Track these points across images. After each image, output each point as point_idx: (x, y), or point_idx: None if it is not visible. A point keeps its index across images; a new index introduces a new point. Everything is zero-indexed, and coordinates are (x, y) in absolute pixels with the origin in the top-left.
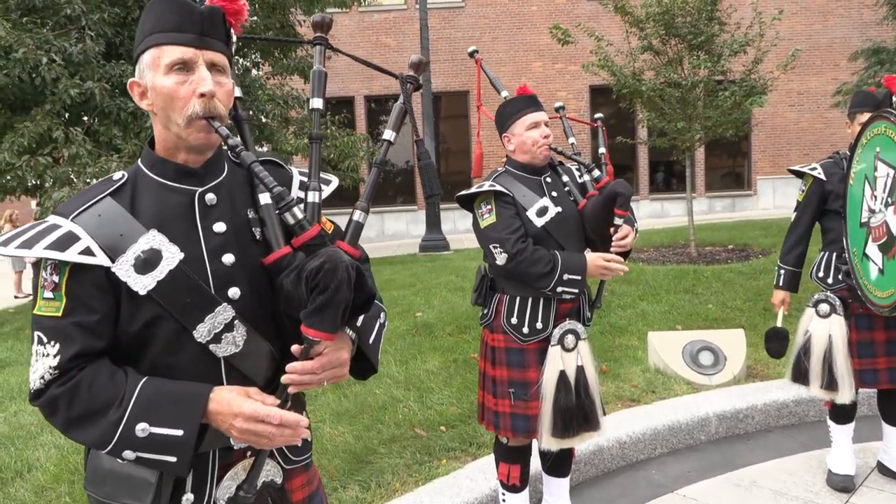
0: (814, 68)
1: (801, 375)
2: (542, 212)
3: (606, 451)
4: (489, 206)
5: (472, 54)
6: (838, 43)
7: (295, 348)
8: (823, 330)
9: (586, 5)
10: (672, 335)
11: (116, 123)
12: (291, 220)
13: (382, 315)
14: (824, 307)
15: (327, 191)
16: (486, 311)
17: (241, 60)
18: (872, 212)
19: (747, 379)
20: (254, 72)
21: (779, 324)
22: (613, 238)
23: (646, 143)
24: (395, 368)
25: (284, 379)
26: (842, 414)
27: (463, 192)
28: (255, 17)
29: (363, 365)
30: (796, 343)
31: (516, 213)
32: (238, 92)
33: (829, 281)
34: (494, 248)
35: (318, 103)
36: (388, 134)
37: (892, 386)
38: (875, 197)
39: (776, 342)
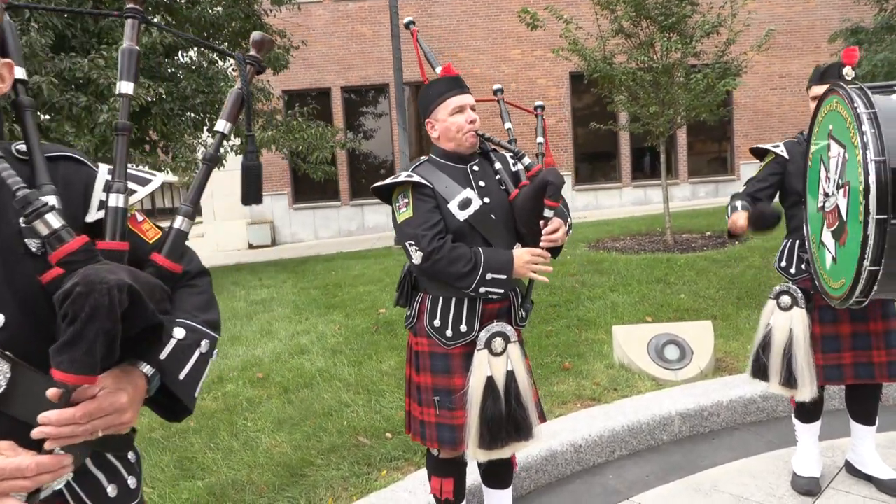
0: (795, 51)
1: (760, 371)
2: (464, 204)
3: (560, 455)
4: (406, 199)
5: (407, 25)
6: (819, 25)
7: (51, 392)
8: (784, 323)
9: None
10: (637, 329)
11: (69, 119)
12: (45, 230)
13: (205, 343)
14: (786, 299)
15: (143, 192)
16: (409, 313)
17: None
18: (827, 195)
19: (715, 373)
20: (220, 63)
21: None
22: (543, 231)
23: (619, 129)
24: (348, 370)
25: (35, 433)
26: (807, 412)
27: (378, 184)
28: (218, 8)
29: (175, 405)
30: (756, 337)
31: (436, 207)
32: (21, 73)
33: (792, 271)
34: (410, 245)
35: (127, 88)
36: (220, 125)
37: (858, 382)
38: (829, 179)
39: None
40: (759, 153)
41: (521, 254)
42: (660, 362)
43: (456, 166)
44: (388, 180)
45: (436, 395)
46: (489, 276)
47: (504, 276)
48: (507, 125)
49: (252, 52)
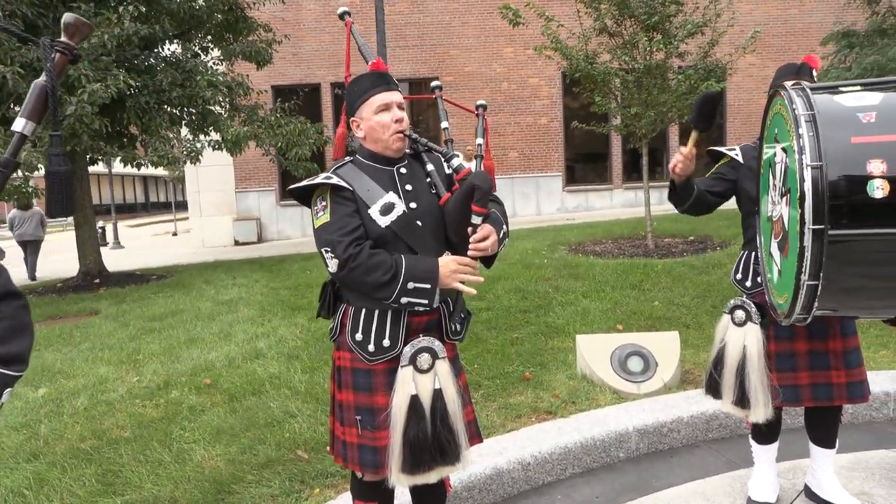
0: (790, 54)
1: (713, 388)
2: (386, 209)
3: (507, 474)
4: (324, 203)
5: (342, 16)
6: (815, 28)
7: None
8: (738, 339)
9: None
10: (601, 339)
11: None
12: None
13: None
14: (740, 314)
15: None
16: (332, 325)
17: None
18: (774, 204)
19: (680, 386)
20: (202, 56)
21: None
22: (470, 239)
23: (601, 130)
24: (300, 377)
25: None
26: (763, 433)
27: (295, 185)
28: (200, 1)
29: None
30: (711, 352)
31: (355, 211)
32: None
33: (748, 284)
34: (325, 252)
35: (19, 125)
36: (19, 124)
37: (815, 404)
38: (775, 187)
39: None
40: (716, 156)
41: (446, 262)
42: (622, 374)
43: (381, 168)
44: (305, 182)
45: (358, 414)
46: (411, 285)
47: (428, 286)
48: (444, 124)
49: (63, 39)
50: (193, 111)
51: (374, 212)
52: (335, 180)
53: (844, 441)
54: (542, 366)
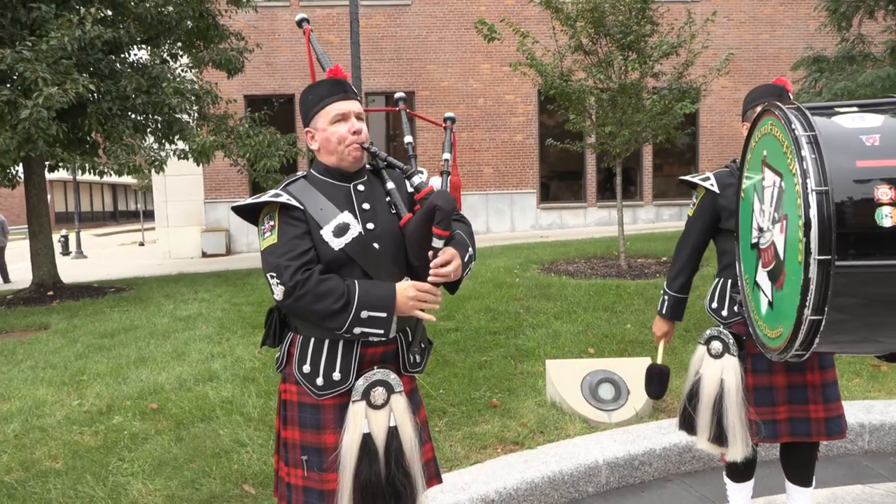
0: (761, 78)
1: (687, 423)
2: (340, 230)
3: None
4: (272, 223)
5: (299, 23)
6: (785, 53)
7: None
8: (715, 372)
9: (536, 7)
10: (572, 364)
11: None
12: None
13: None
14: (716, 345)
15: None
16: (278, 355)
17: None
18: (761, 230)
19: (652, 415)
20: (170, 62)
21: (659, 360)
22: (431, 264)
23: (575, 147)
24: (254, 402)
25: None
26: (738, 471)
27: (240, 203)
28: (169, 7)
29: None
30: (685, 385)
31: (306, 233)
32: None
33: (724, 313)
34: (271, 277)
35: None
36: None
37: (793, 439)
38: (763, 212)
39: (656, 382)
40: (690, 184)
41: (405, 288)
42: (593, 402)
43: (337, 185)
44: (250, 199)
45: (304, 454)
46: (365, 314)
47: (384, 315)
48: (408, 139)
49: None
50: (159, 119)
51: (326, 233)
52: (284, 198)
53: (819, 476)
54: (510, 392)
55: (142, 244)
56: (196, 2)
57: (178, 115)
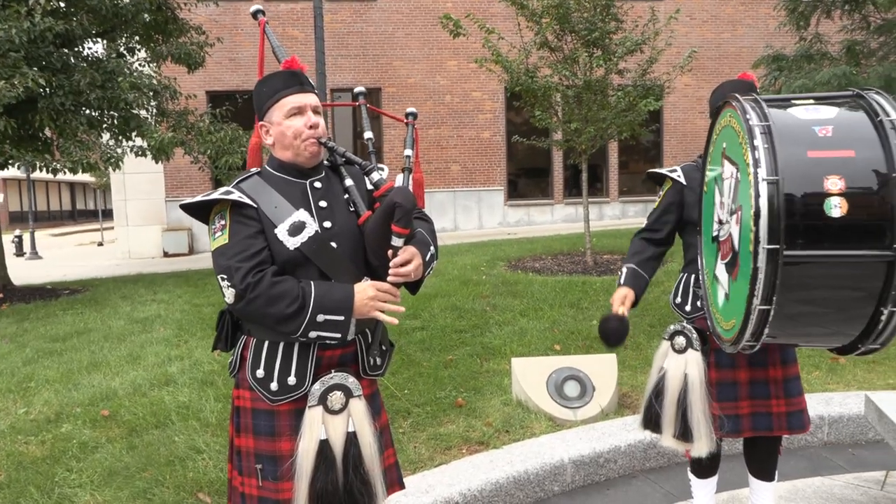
0: (723, 76)
1: (652, 421)
2: (296, 229)
3: None
4: (223, 222)
5: (255, 15)
6: (746, 52)
7: None
8: (678, 367)
9: (502, 4)
10: (537, 362)
11: None
12: None
13: None
14: (680, 340)
15: None
16: (231, 359)
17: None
18: (721, 223)
19: (617, 411)
20: (127, 56)
21: None
22: (390, 263)
23: (541, 144)
24: (212, 406)
25: None
26: (703, 466)
27: (188, 201)
28: None
29: None
30: (649, 382)
31: (259, 232)
32: None
33: (688, 308)
34: (222, 279)
35: None
36: None
37: (755, 434)
38: (723, 204)
39: (613, 330)
40: (656, 178)
41: (363, 289)
42: (559, 399)
43: (293, 181)
44: (200, 197)
45: (258, 463)
46: (321, 317)
47: (341, 318)
48: (368, 134)
49: None
50: (115, 114)
51: (281, 232)
52: (236, 195)
53: (781, 469)
54: (476, 391)
55: (100, 244)
56: None
57: (135, 111)
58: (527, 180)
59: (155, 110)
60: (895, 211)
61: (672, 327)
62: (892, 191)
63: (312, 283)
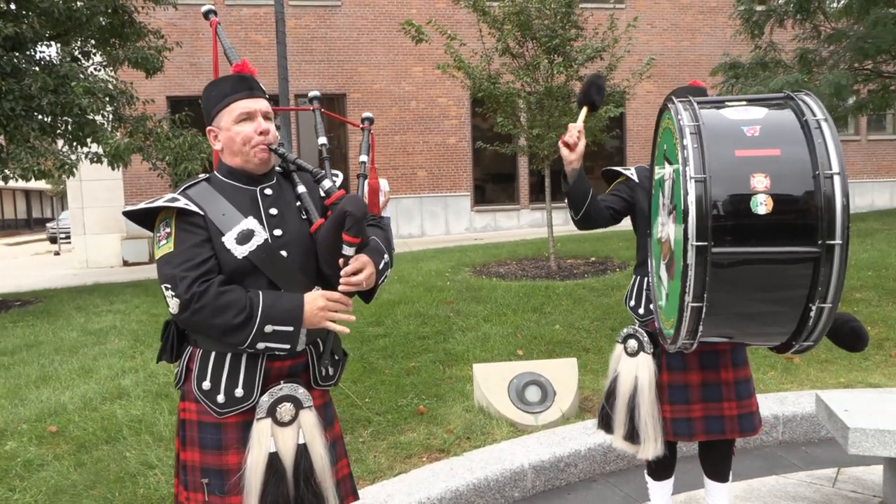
0: (683, 83)
1: (604, 422)
2: (244, 237)
3: None
4: (168, 229)
5: (206, 15)
6: (705, 59)
7: None
8: (630, 370)
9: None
10: (499, 367)
11: None
12: None
13: None
14: (632, 343)
15: None
16: (177, 370)
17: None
18: (663, 224)
19: (578, 415)
20: (82, 60)
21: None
22: (341, 272)
23: (505, 150)
24: (165, 420)
25: None
26: (658, 468)
27: (132, 208)
28: (79, 2)
29: None
30: (605, 384)
31: (206, 240)
32: None
33: (641, 311)
34: (166, 289)
35: None
36: None
37: (708, 437)
38: (664, 205)
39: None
40: (610, 177)
41: (313, 298)
42: (520, 405)
43: (242, 188)
44: (143, 204)
45: (205, 477)
46: (269, 328)
47: (290, 328)
48: (321, 140)
49: None
50: (69, 120)
51: (228, 240)
52: (182, 203)
53: (736, 468)
54: (438, 397)
55: (57, 253)
56: None
57: (90, 117)
58: (493, 186)
59: (111, 116)
60: (819, 208)
61: (625, 330)
62: (816, 188)
63: (261, 293)
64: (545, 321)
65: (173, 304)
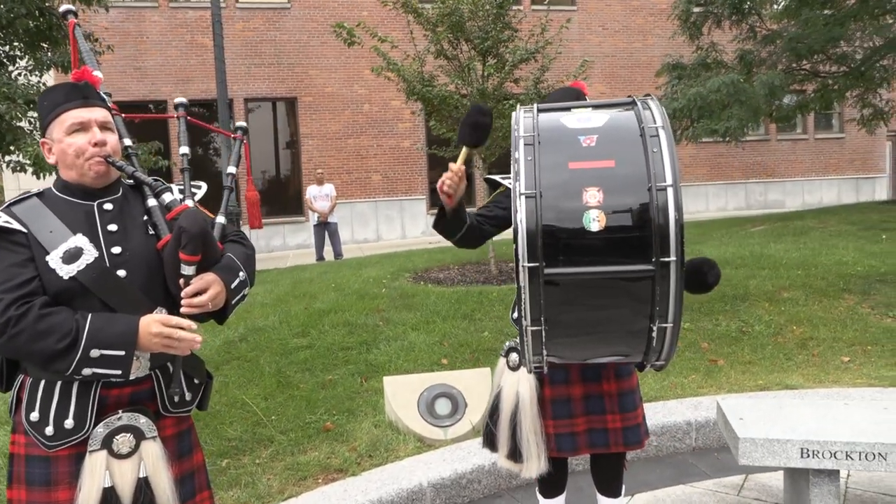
0: (635, 84)
1: (489, 440)
2: (71, 256)
3: None
4: None
5: (65, 15)
6: (656, 61)
7: None
8: (512, 385)
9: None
10: (410, 380)
11: None
12: None
13: None
14: (514, 357)
15: None
16: (10, 400)
17: None
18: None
19: None
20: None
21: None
22: (182, 293)
23: (446, 154)
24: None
25: None
26: (548, 485)
27: None
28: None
29: None
30: (489, 399)
31: (28, 260)
32: None
33: None
34: None
35: None
36: None
37: (593, 451)
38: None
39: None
40: (493, 185)
41: (147, 323)
42: (429, 419)
43: (77, 203)
44: None
45: None
46: (96, 353)
47: (121, 353)
48: (184, 149)
49: None
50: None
51: (53, 259)
52: (2, 220)
53: (644, 477)
54: (349, 412)
55: None
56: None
57: (13, 123)
58: None
59: (37, 122)
60: (654, 223)
61: (508, 343)
62: (650, 201)
63: (90, 315)
64: (474, 328)
65: None
